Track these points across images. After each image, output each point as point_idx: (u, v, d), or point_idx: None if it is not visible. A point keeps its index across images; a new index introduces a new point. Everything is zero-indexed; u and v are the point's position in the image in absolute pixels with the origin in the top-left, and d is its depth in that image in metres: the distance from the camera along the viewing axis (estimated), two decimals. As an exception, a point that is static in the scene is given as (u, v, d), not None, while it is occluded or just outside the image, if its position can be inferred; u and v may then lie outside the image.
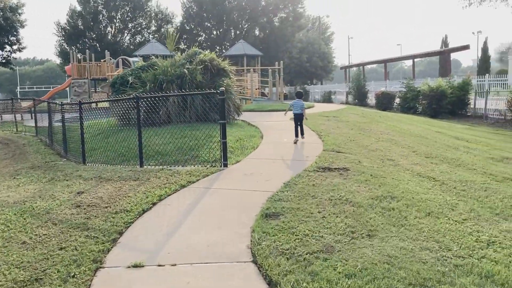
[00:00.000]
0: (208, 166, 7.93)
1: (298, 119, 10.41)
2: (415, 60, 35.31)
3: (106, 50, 37.82)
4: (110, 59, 35.03)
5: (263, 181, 6.75)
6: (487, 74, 24.57)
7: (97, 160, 10.06)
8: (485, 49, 42.22)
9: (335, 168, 7.43)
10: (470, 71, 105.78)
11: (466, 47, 27.41)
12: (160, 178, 7.14)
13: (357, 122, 13.69)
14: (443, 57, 49.64)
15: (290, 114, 10.73)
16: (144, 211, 5.56)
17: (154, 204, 5.84)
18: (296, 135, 10.30)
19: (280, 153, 8.86)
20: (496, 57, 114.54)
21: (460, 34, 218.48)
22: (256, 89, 32.42)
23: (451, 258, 3.95)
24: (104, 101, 11.43)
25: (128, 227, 5.08)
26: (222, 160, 7.89)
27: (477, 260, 3.90)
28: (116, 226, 5.06)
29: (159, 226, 5.04)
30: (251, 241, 4.45)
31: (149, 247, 4.50)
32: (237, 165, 8.01)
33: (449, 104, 21.78)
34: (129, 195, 6.25)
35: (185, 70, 12.67)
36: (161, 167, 8.13)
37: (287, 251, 4.15)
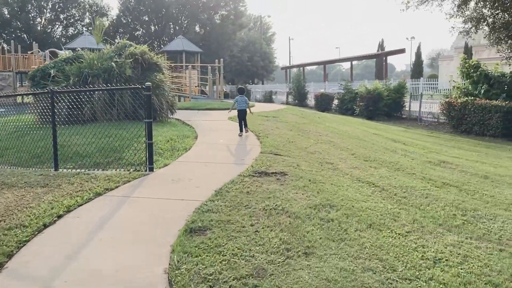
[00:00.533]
0: (131, 170, 7.10)
1: (242, 115, 10.83)
2: (353, 62, 36.12)
3: (35, 42, 35.24)
4: (39, 51, 32.67)
5: (192, 188, 6.06)
6: (421, 78, 25.38)
7: (9, 162, 8.85)
8: (418, 54, 44.01)
9: (272, 173, 6.88)
10: (403, 75, 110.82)
11: (402, 51, 28.19)
12: (74, 184, 6.23)
13: (296, 123, 13.32)
14: (379, 60, 51.20)
15: (233, 113, 10.80)
16: (45, 226, 4.68)
17: (59, 216, 4.95)
18: (241, 130, 10.75)
19: (215, 156, 8.20)
20: (428, 62, 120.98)
21: (395, 39, 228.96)
22: (195, 86, 31.51)
23: (397, 281, 3.48)
24: (15, 95, 10.17)
25: (22, 247, 4.19)
26: (147, 164, 7.09)
27: (424, 283, 3.46)
28: (5, 246, 4.16)
29: (60, 246, 4.20)
30: (169, 264, 3.76)
31: (42, 273, 3.67)
32: (164, 169, 7.24)
33: (385, 106, 22.16)
34: (31, 206, 5.31)
35: (112, 63, 11.64)
36: (78, 170, 7.18)
37: (210, 277, 3.49)
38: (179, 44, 32.90)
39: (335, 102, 27.90)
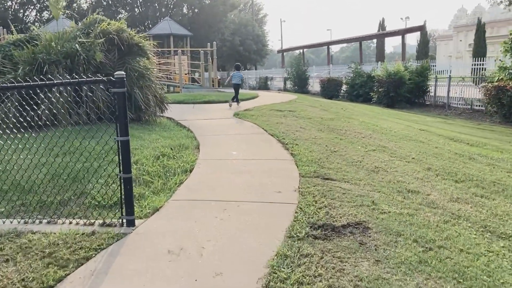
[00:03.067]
0: (100, 220, 4.09)
1: (237, 88, 13.13)
2: (343, 45, 33.01)
3: (2, 28, 31.53)
4: (7, 37, 29.05)
5: (208, 278, 3.07)
6: (447, 59, 22.39)
7: None
8: (424, 33, 40.97)
9: (343, 226, 3.93)
10: (397, 57, 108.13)
11: (421, 28, 25.18)
12: (-22, 274, 3.20)
13: (321, 119, 10.34)
14: (380, 42, 48.34)
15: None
16: None
17: None
18: (232, 100, 12.70)
19: (232, 185, 5.19)
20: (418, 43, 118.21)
21: (388, 21, 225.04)
22: (185, 74, 28.28)
23: None
24: None
25: None
26: (124, 215, 4.07)
27: None
28: None
29: None
30: None
31: None
32: (154, 220, 4.21)
33: (407, 92, 19.25)
34: None
35: (77, 45, 8.49)
36: (9, 222, 4.16)
37: None
38: (166, 27, 29.48)
39: (344, 87, 24.93)
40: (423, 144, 8.35)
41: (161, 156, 6.29)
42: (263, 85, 36.46)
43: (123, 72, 4.00)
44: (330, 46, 36.56)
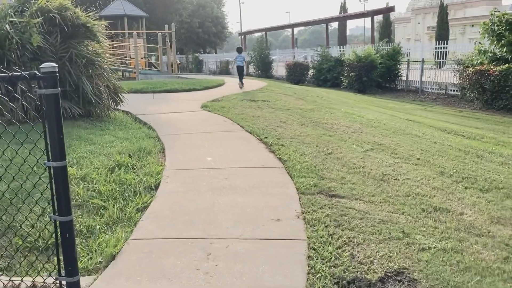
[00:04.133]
0: (28, 280, 2.77)
1: (241, 70, 14.05)
2: (301, 28, 32.12)
3: None
4: None
5: None
6: (418, 42, 21.75)
7: None
8: (386, 15, 40.35)
9: (380, 280, 2.82)
10: (356, 39, 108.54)
11: (391, 9, 24.41)
12: None
13: (301, 110, 9.19)
14: (342, 24, 47.70)
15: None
16: None
17: None
18: (241, 81, 13.74)
19: (215, 210, 3.95)
20: (376, 26, 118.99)
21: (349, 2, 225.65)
22: (142, 58, 26.38)
23: None
24: None
25: None
26: (62, 275, 2.75)
27: None
28: None
29: None
30: None
31: None
32: (106, 282, 2.91)
33: (378, 77, 18.44)
34: None
35: (7, 26, 6.87)
36: None
37: None
38: (119, 7, 27.24)
39: (310, 72, 23.91)
40: (420, 139, 7.38)
41: (116, 168, 4.93)
42: (224, 69, 34.93)
43: (53, 64, 2.63)
44: (291, 30, 35.54)
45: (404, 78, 18.78)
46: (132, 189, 4.38)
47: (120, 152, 5.51)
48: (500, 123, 10.64)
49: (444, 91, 16.62)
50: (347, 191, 4.40)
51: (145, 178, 4.69)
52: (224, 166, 5.18)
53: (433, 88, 17.25)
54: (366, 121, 8.59)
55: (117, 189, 4.36)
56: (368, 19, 24.86)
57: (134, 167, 5.09)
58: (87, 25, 7.62)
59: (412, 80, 18.46)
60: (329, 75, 22.05)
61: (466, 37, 61.26)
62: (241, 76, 13.91)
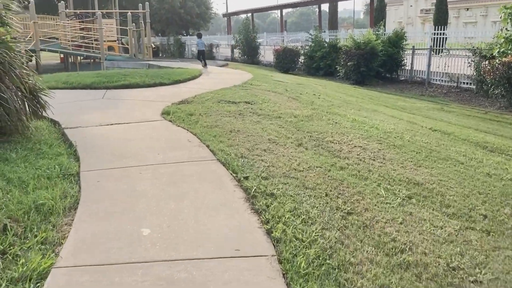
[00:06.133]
0: None
1: (202, 53, 16.44)
2: (288, 10, 29.31)
3: None
4: None
5: None
6: (426, 24, 19.46)
7: None
8: (380, -3, 37.80)
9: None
10: (345, 23, 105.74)
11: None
12: None
13: (296, 119, 6.88)
14: (333, 6, 45.16)
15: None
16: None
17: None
18: (202, 63, 15.83)
19: None
20: (364, 9, 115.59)
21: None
22: (114, 41, 23.65)
23: None
24: None
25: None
26: None
27: None
28: None
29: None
30: None
31: None
32: None
33: (379, 66, 16.18)
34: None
35: None
36: None
37: None
38: (88, -17, 24.38)
39: (301, 59, 21.56)
40: (465, 169, 5.16)
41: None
42: (208, 53, 32.26)
43: None
44: (278, 12, 33.01)
45: (408, 68, 16.54)
46: None
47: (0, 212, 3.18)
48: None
49: (455, 84, 14.44)
50: None
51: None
52: (171, 254, 2.87)
53: (442, 80, 15.05)
54: (383, 135, 6.33)
55: None
56: (358, 1, 22.60)
57: (12, 245, 2.79)
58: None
59: (417, 70, 16.23)
60: (322, 62, 19.81)
61: (460, 21, 59.25)
62: (204, 59, 15.93)
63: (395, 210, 3.73)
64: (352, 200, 3.82)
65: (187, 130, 5.88)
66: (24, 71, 5.54)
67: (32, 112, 5.70)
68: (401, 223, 3.49)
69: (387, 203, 3.87)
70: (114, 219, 3.35)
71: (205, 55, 16.34)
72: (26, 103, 5.65)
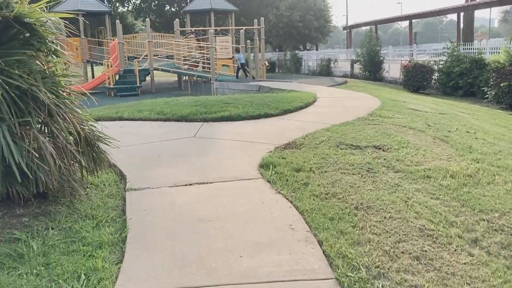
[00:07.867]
0: None
1: (242, 66, 19.21)
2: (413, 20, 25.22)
3: None
4: None
5: None
6: None
7: None
8: (532, 1, 32.31)
9: None
10: (479, 31, 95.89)
11: None
12: None
13: (452, 179, 4.59)
14: (468, 15, 40.15)
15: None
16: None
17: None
18: (245, 75, 19.21)
19: None
20: (500, 17, 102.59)
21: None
22: (229, 59, 22.96)
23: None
24: None
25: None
26: None
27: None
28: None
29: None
30: None
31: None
32: None
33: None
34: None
35: None
36: None
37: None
38: (205, 1, 24.12)
39: (435, 76, 18.55)
40: None
41: None
42: (325, 68, 30.39)
43: None
44: (402, 22, 29.85)
45: None
46: None
47: None
48: None
49: None
50: None
51: None
52: None
53: None
54: None
55: None
56: (495, 9, 18.78)
57: None
58: (31, 22, 3.86)
59: None
60: (461, 80, 16.63)
61: None
62: (244, 71, 18.79)
63: None
64: None
65: (291, 202, 4.00)
66: (79, 113, 4.18)
67: (87, 169, 4.31)
68: None
69: None
70: None
71: (244, 67, 19.03)
72: (85, 155, 4.29)
